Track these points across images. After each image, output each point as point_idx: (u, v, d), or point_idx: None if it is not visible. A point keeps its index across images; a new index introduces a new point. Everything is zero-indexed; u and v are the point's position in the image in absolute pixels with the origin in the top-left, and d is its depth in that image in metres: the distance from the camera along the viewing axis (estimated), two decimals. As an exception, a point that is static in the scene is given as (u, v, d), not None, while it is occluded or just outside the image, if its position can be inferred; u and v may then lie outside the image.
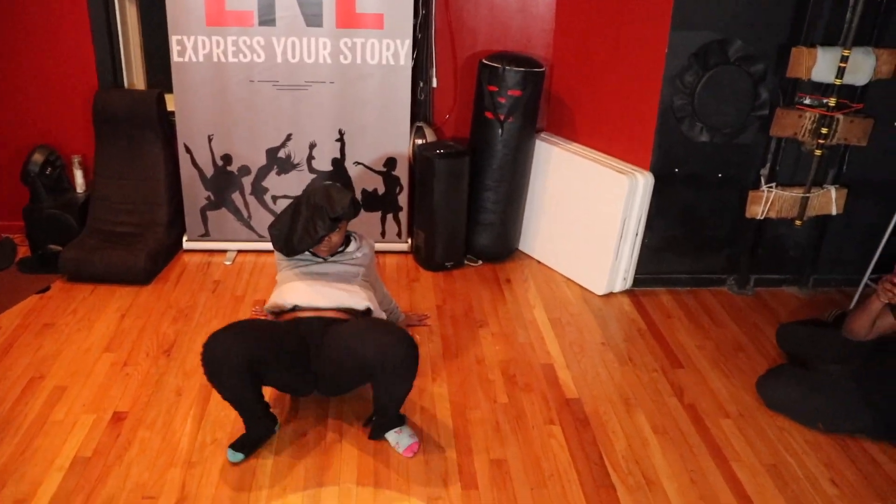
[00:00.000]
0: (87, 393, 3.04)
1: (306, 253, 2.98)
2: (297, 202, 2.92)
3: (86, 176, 4.28)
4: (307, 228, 2.84)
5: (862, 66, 3.56)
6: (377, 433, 2.84)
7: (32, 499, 2.50)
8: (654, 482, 2.75)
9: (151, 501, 2.52)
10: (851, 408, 2.99)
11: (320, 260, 3.01)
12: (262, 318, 3.18)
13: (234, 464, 2.67)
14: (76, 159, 4.23)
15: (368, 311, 2.96)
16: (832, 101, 3.62)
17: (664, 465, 2.85)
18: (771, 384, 3.20)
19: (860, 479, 2.83)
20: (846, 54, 3.49)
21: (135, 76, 4.38)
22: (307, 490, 2.60)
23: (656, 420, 3.09)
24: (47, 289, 3.80)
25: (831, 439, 3.02)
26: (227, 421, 2.91)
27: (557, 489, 2.68)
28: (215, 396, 3.03)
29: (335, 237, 2.93)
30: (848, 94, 3.67)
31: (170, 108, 4.14)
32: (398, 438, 2.81)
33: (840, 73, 3.53)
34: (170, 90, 4.03)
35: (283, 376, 2.77)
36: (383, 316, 3.10)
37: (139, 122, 4.09)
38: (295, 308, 2.89)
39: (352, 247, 3.08)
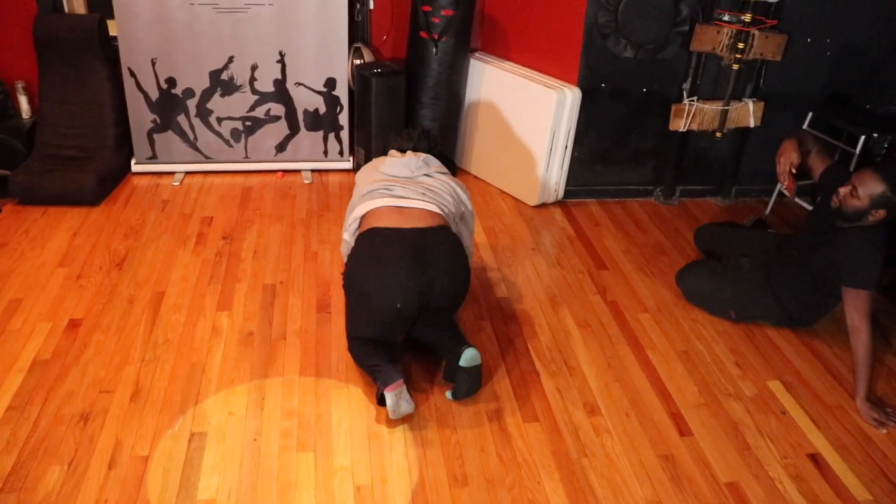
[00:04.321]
0: (43, 303, 3.20)
1: None
2: None
3: (31, 101, 4.34)
4: None
5: (774, -17, 3.76)
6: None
7: (-5, 396, 2.69)
8: (575, 367, 3.02)
9: (108, 395, 2.72)
10: (757, 295, 3.28)
11: None
12: None
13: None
14: (20, 85, 4.29)
15: None
16: (748, 17, 3.83)
17: (584, 353, 3.12)
18: (688, 275, 3.48)
19: (761, 361, 3.14)
20: (759, -29, 3.69)
21: (74, 1, 4.41)
22: (253, 381, 2.82)
23: (579, 315, 3.36)
24: (-2, 212, 3.91)
25: (739, 328, 3.32)
26: (178, 324, 3.11)
27: (486, 377, 2.93)
28: (166, 303, 3.24)
29: None
30: (763, 11, 3.88)
31: (113, 33, 4.19)
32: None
33: (754, -11, 3.73)
34: (112, 16, 4.09)
35: None
36: None
37: (82, 47, 4.15)
38: None
39: None
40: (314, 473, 2.45)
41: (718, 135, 4.17)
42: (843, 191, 2.87)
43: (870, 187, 2.79)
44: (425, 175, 3.04)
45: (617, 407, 2.83)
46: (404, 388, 2.63)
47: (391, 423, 2.67)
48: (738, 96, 4.15)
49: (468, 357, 2.70)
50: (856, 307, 2.86)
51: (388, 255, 2.71)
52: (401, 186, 2.94)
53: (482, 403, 2.79)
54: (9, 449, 2.46)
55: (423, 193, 2.93)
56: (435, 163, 3.13)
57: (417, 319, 2.79)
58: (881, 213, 2.82)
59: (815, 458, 2.66)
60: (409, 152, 3.13)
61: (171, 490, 2.36)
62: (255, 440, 2.57)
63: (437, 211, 2.89)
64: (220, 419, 2.64)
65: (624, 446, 2.65)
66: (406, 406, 2.64)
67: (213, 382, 2.81)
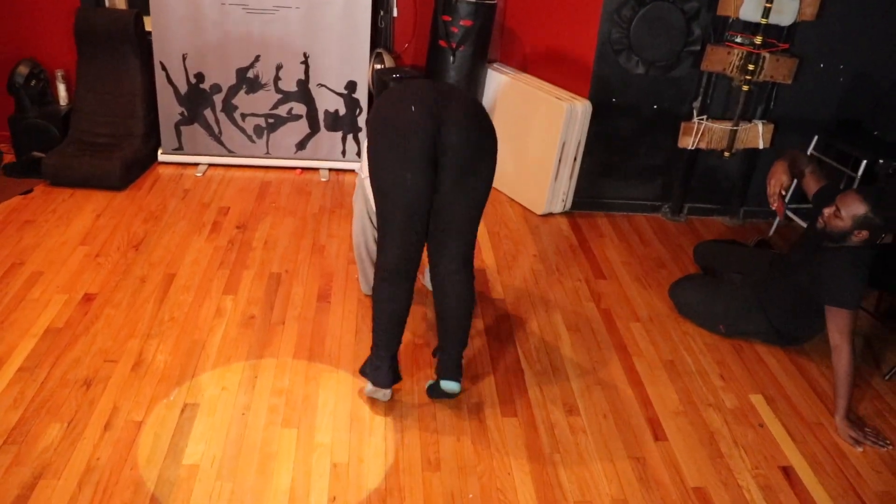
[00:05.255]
0: (62, 277, 3.40)
1: None
2: None
3: (68, 89, 4.58)
4: None
5: (786, 7, 3.83)
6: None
7: (9, 358, 2.86)
8: (559, 369, 3.12)
9: (112, 364, 2.88)
10: (747, 311, 3.34)
11: None
12: None
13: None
14: (59, 73, 4.52)
15: None
16: (758, 40, 3.90)
17: (571, 355, 3.21)
18: (680, 288, 3.55)
19: (745, 375, 3.20)
20: (771, -5, 3.77)
21: (116, -3, 4.66)
22: (249, 360, 2.97)
23: (571, 320, 3.45)
24: (30, 191, 4.12)
25: (728, 342, 3.38)
26: (185, 304, 3.27)
27: (472, 371, 3.04)
28: (176, 283, 3.41)
29: None
30: (775, 34, 3.95)
31: (148, 28, 4.41)
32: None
33: (766, 12, 3.80)
34: (148, 12, 4.30)
35: None
36: None
37: (118, 40, 4.37)
38: None
39: None
40: (295, 448, 2.58)
41: (727, 154, 4.24)
42: (826, 212, 2.93)
43: (852, 208, 2.85)
44: None
45: (595, 408, 2.92)
46: (389, 392, 2.79)
47: (374, 407, 2.79)
48: (747, 117, 4.22)
49: (447, 388, 2.81)
50: (837, 326, 2.91)
51: (403, 95, 2.59)
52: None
53: (464, 395, 2.89)
54: (15, 406, 2.64)
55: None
56: None
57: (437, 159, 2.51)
58: (864, 233, 2.87)
59: (787, 471, 2.71)
60: None
61: (159, 453, 2.50)
62: (243, 414, 2.70)
63: None
64: (213, 393, 2.79)
65: (597, 446, 2.74)
66: (382, 398, 2.81)
67: (211, 359, 2.96)
